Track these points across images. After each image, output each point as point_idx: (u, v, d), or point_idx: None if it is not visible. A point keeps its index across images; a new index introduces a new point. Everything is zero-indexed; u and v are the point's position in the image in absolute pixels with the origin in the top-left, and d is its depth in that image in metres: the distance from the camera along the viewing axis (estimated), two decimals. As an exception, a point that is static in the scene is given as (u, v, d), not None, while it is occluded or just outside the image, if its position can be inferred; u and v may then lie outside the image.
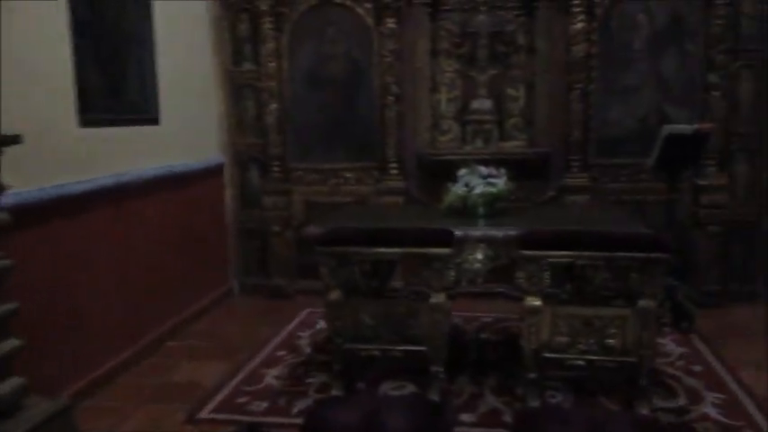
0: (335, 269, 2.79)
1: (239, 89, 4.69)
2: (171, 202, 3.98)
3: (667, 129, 3.66)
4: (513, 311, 3.98)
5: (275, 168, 4.69)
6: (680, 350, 3.53)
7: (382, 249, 2.74)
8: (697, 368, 3.30)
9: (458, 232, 2.89)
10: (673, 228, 3.84)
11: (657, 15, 4.27)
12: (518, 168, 4.31)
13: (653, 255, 2.47)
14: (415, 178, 4.65)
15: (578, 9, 4.25)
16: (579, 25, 4.26)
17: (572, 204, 4.29)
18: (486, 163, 3.61)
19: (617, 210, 4.00)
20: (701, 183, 4.22)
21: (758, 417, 2.78)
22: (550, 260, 2.62)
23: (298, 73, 4.65)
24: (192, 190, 4.28)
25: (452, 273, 2.76)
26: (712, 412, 2.82)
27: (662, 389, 3.02)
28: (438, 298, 2.75)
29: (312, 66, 4.64)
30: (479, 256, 2.97)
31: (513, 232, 2.88)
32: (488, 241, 2.93)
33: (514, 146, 4.58)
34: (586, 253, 2.55)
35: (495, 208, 3.24)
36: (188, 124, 4.20)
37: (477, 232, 2.95)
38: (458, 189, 3.25)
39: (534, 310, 2.65)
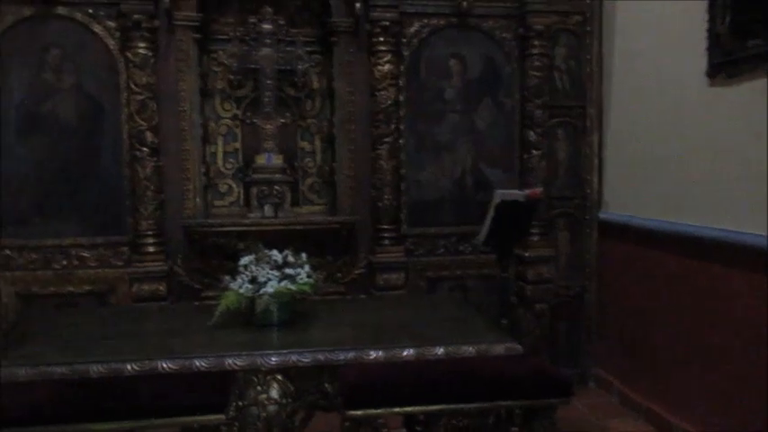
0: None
1: None
2: None
3: (499, 195, 3.00)
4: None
5: (-33, 247, 3.20)
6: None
7: (95, 426, 1.55)
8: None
9: (238, 362, 1.84)
10: (504, 309, 3.18)
11: (471, 62, 3.69)
12: (317, 241, 3.48)
13: (549, 401, 1.65)
14: (182, 257, 3.46)
15: (384, 48, 3.50)
16: (386, 67, 3.51)
17: (390, 296, 3.41)
18: (278, 238, 2.65)
19: (451, 302, 3.09)
20: (527, 255, 3.65)
21: None
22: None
23: (6, 111, 3.25)
24: None
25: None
26: None
27: None
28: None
29: (28, 102, 3.28)
30: (275, 394, 1.92)
31: (324, 356, 1.90)
32: (288, 371, 1.91)
33: (312, 212, 3.67)
34: (453, 406, 1.65)
35: (294, 312, 2.24)
36: None
37: (270, 359, 1.91)
38: (240, 286, 2.19)
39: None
